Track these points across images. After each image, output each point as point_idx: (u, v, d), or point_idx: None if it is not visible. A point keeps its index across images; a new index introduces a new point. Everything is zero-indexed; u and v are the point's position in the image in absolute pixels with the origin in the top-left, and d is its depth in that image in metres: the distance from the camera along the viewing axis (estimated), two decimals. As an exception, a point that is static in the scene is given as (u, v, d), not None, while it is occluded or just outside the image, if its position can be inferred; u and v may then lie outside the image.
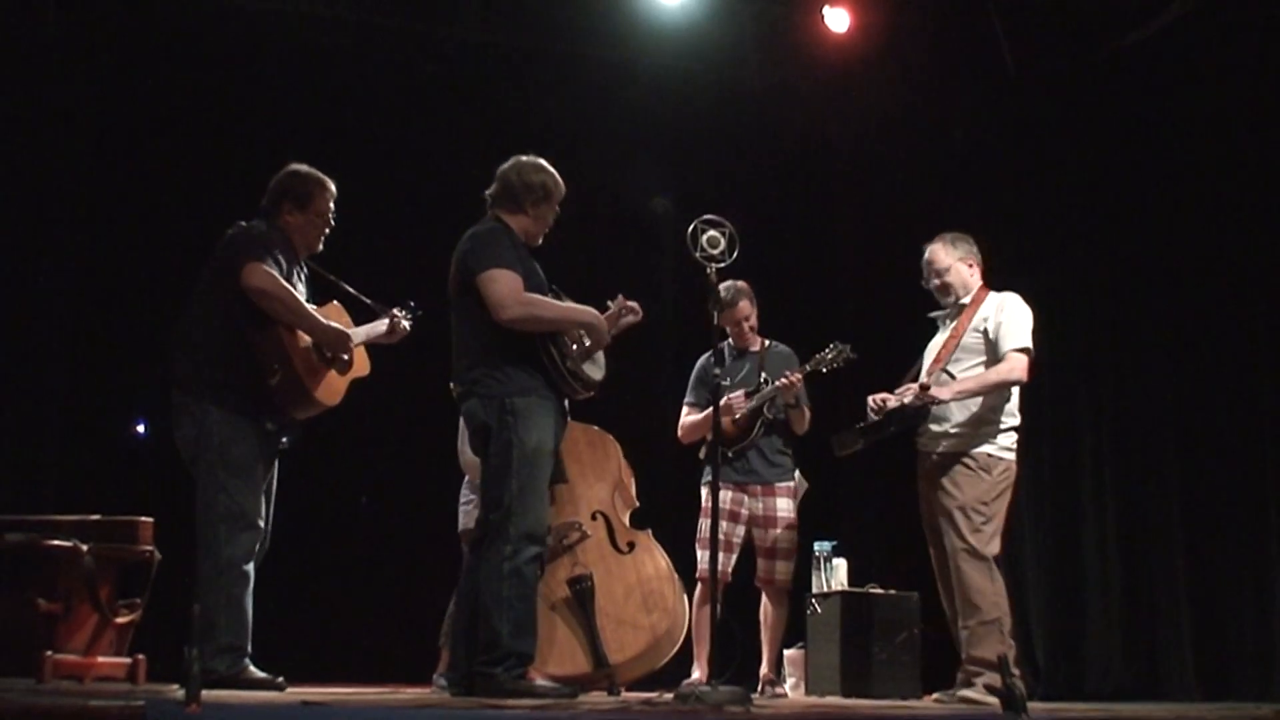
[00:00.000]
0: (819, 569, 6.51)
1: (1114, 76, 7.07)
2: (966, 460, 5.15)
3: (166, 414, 4.88)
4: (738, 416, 5.93)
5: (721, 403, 5.91)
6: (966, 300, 5.36)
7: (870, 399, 5.39)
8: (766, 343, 6.24)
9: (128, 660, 4.90)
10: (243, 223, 4.88)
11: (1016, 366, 5.14)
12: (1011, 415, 5.25)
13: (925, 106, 7.94)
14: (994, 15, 7.42)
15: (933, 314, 5.57)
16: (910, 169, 8.00)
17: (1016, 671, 3.66)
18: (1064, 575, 6.97)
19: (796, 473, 6.14)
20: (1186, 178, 6.66)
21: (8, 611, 4.64)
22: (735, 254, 4.40)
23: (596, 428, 5.70)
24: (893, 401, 5.30)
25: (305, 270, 5.00)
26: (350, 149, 7.81)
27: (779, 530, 5.97)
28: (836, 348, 5.95)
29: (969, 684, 5.06)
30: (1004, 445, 5.21)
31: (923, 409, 5.16)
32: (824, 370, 5.95)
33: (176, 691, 3.87)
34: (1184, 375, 6.60)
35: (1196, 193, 6.61)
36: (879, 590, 6.29)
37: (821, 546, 6.56)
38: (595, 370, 4.70)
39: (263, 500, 4.80)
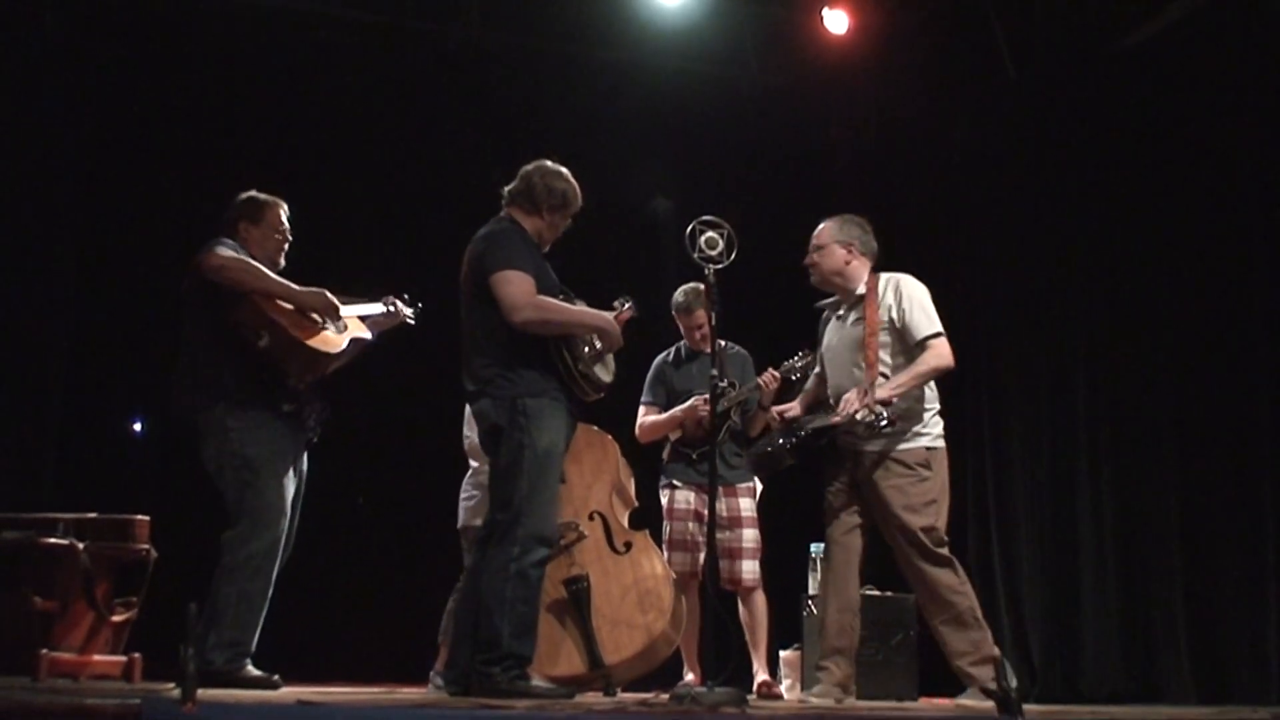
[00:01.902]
0: (815, 570, 6.50)
1: (1113, 78, 7.08)
2: (903, 459, 4.96)
3: (164, 412, 4.92)
4: (706, 416, 5.91)
5: (688, 404, 5.95)
6: (862, 290, 5.14)
7: (775, 413, 5.29)
8: (722, 343, 6.24)
9: (124, 659, 4.90)
10: None
11: (944, 352, 4.96)
12: (933, 402, 5.08)
13: (924, 108, 7.95)
14: (993, 17, 7.43)
15: (820, 303, 5.39)
16: (909, 170, 8.00)
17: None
18: (1060, 577, 6.98)
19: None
20: (1186, 178, 6.67)
21: (3, 609, 4.63)
22: (734, 255, 4.41)
23: (596, 428, 5.69)
24: (791, 413, 5.22)
25: None
26: (350, 148, 7.83)
27: (743, 529, 5.97)
28: (805, 355, 5.95)
29: (964, 687, 5.04)
30: (935, 435, 5.04)
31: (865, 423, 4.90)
32: (793, 377, 5.94)
33: (173, 690, 3.87)
34: (1182, 377, 6.60)
35: (1196, 193, 6.62)
36: (875, 592, 6.28)
37: (818, 548, 6.55)
38: (605, 373, 4.72)
39: (287, 495, 4.84)
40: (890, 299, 5.05)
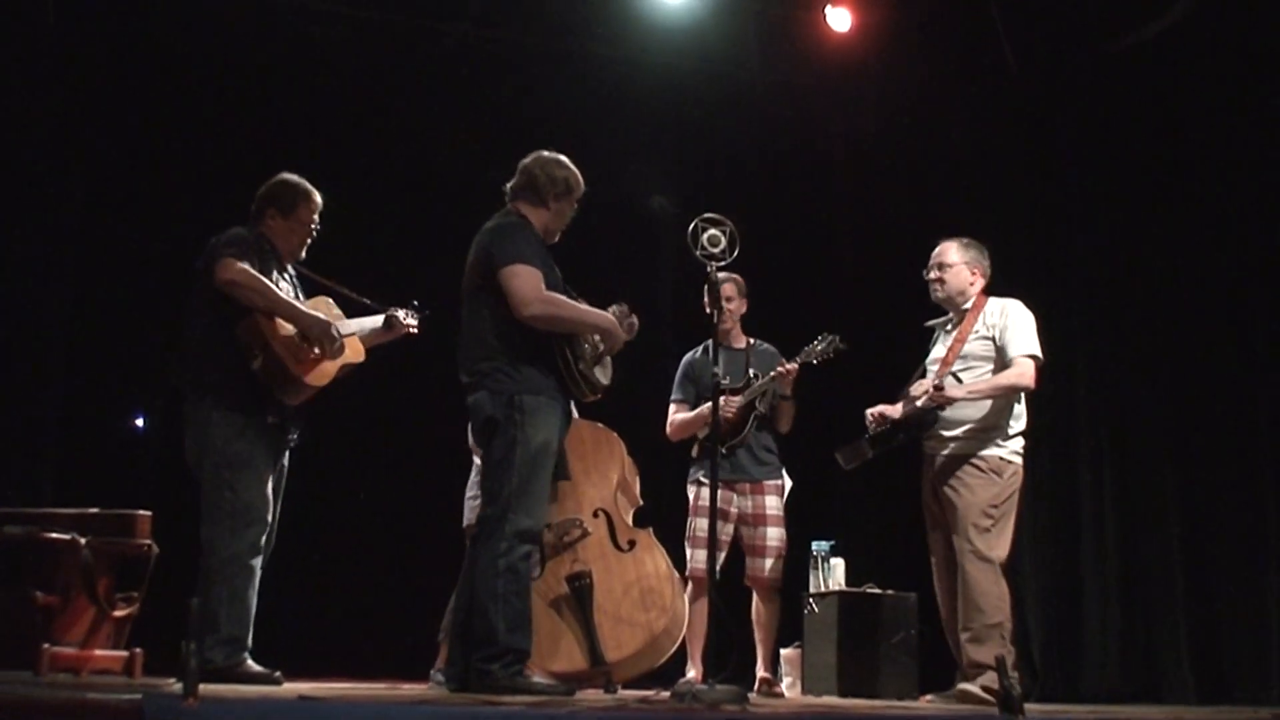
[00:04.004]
0: (817, 568, 6.50)
1: (1116, 75, 7.06)
2: (976, 462, 5.19)
3: (165, 408, 4.92)
4: (731, 412, 5.91)
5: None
6: (967, 306, 5.40)
7: (869, 413, 5.44)
8: (751, 341, 6.25)
9: (125, 654, 4.91)
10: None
11: (1026, 372, 5.20)
12: (1019, 420, 5.30)
13: (926, 105, 7.93)
14: (995, 14, 7.42)
15: (930, 322, 5.61)
16: (911, 168, 7.99)
17: (1015, 674, 3.68)
18: (1062, 577, 6.97)
19: (783, 470, 6.14)
20: (1189, 177, 6.65)
21: (6, 604, 4.65)
22: (736, 253, 4.40)
23: (601, 425, 5.70)
24: (891, 413, 5.36)
25: (291, 273, 5.06)
26: (350, 145, 7.83)
27: (768, 528, 5.97)
28: (826, 338, 5.94)
29: (968, 682, 5.07)
30: (1013, 449, 5.26)
31: (932, 414, 5.20)
32: (814, 362, 5.93)
33: (174, 685, 3.88)
34: (1183, 377, 6.59)
35: (1198, 192, 6.60)
36: (877, 590, 6.29)
37: (819, 546, 6.56)
38: (603, 375, 4.71)
39: (269, 496, 4.83)
40: (995, 318, 5.31)
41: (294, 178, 5.07)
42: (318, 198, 5.08)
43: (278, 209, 4.99)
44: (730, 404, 5.88)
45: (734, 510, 5.97)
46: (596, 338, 4.67)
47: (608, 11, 7.91)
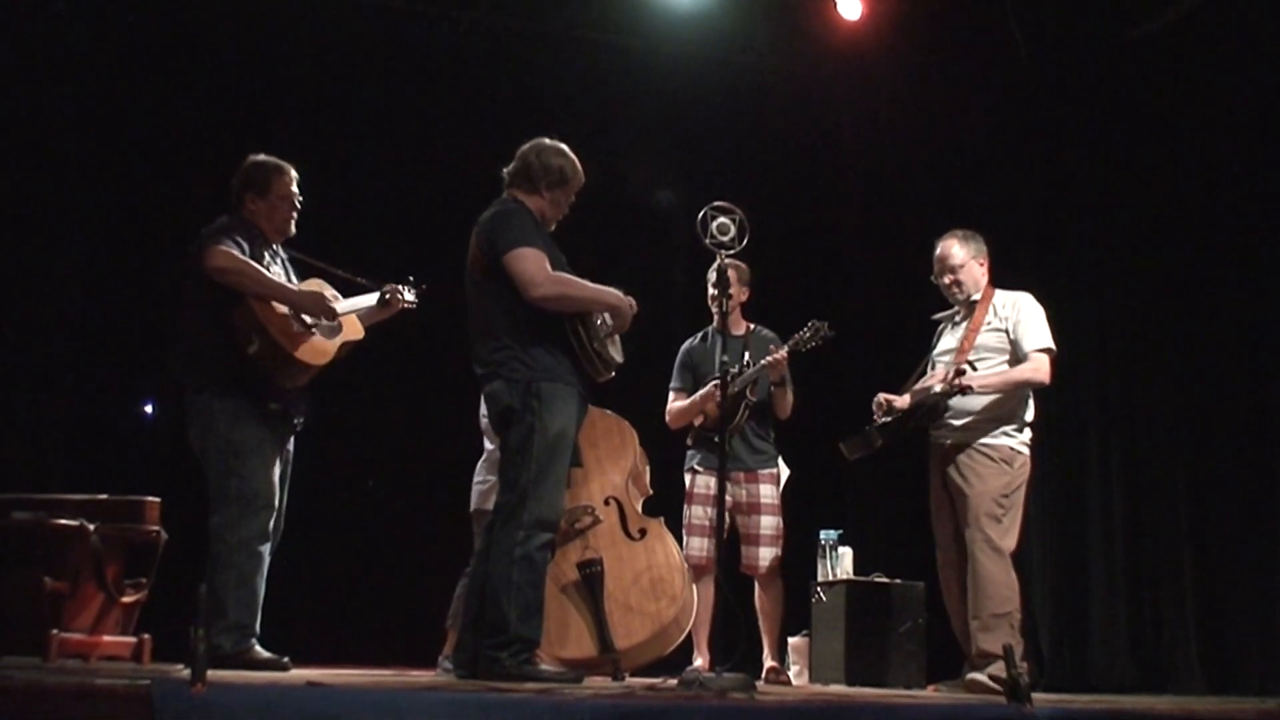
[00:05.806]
0: (824, 557, 6.50)
1: (1128, 64, 7.03)
2: (987, 452, 5.19)
3: (174, 395, 4.94)
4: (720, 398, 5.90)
5: (705, 390, 5.94)
6: (977, 297, 5.38)
7: (876, 400, 5.42)
8: (751, 326, 6.25)
9: (133, 640, 4.92)
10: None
11: (1042, 367, 5.22)
12: (1029, 411, 5.31)
13: (937, 94, 7.90)
14: (1006, 2, 7.38)
15: (938, 315, 5.60)
16: (922, 157, 7.97)
17: (1023, 664, 3.68)
18: (1069, 566, 6.96)
19: (779, 459, 6.13)
20: (1203, 169, 6.62)
21: (14, 590, 4.65)
22: (745, 241, 4.40)
23: (613, 413, 5.70)
24: (899, 402, 5.36)
25: (282, 255, 5.08)
26: (359, 133, 7.83)
27: (762, 516, 5.97)
28: (814, 326, 5.93)
29: (976, 671, 5.08)
30: (1023, 440, 5.27)
31: (944, 402, 5.16)
32: (803, 350, 5.93)
33: (182, 671, 3.89)
34: (1193, 368, 6.58)
35: (1212, 184, 6.58)
36: (884, 579, 6.28)
37: (827, 535, 6.55)
38: (616, 352, 4.69)
39: (276, 482, 4.83)
40: (1008, 312, 5.32)
41: (262, 157, 5.09)
42: (291, 170, 5.09)
43: (254, 191, 5.01)
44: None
45: (728, 498, 5.97)
46: (606, 315, 4.65)
47: (618, 0, 7.89)
